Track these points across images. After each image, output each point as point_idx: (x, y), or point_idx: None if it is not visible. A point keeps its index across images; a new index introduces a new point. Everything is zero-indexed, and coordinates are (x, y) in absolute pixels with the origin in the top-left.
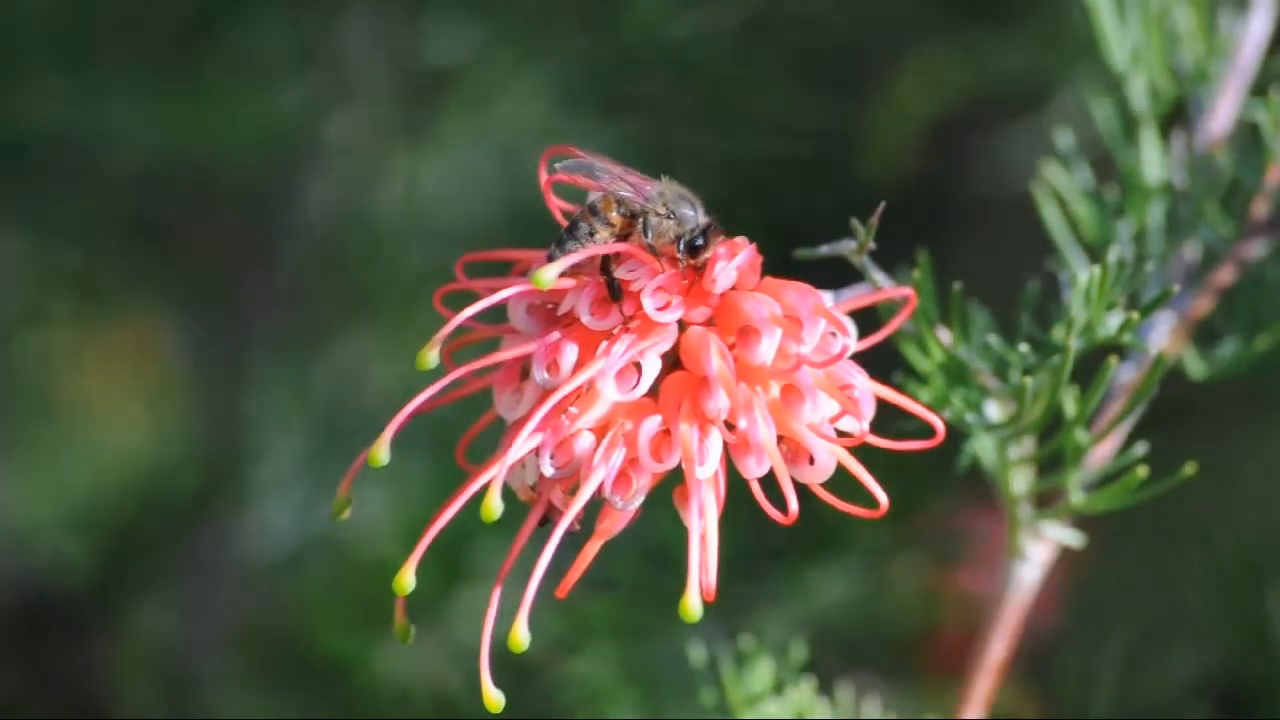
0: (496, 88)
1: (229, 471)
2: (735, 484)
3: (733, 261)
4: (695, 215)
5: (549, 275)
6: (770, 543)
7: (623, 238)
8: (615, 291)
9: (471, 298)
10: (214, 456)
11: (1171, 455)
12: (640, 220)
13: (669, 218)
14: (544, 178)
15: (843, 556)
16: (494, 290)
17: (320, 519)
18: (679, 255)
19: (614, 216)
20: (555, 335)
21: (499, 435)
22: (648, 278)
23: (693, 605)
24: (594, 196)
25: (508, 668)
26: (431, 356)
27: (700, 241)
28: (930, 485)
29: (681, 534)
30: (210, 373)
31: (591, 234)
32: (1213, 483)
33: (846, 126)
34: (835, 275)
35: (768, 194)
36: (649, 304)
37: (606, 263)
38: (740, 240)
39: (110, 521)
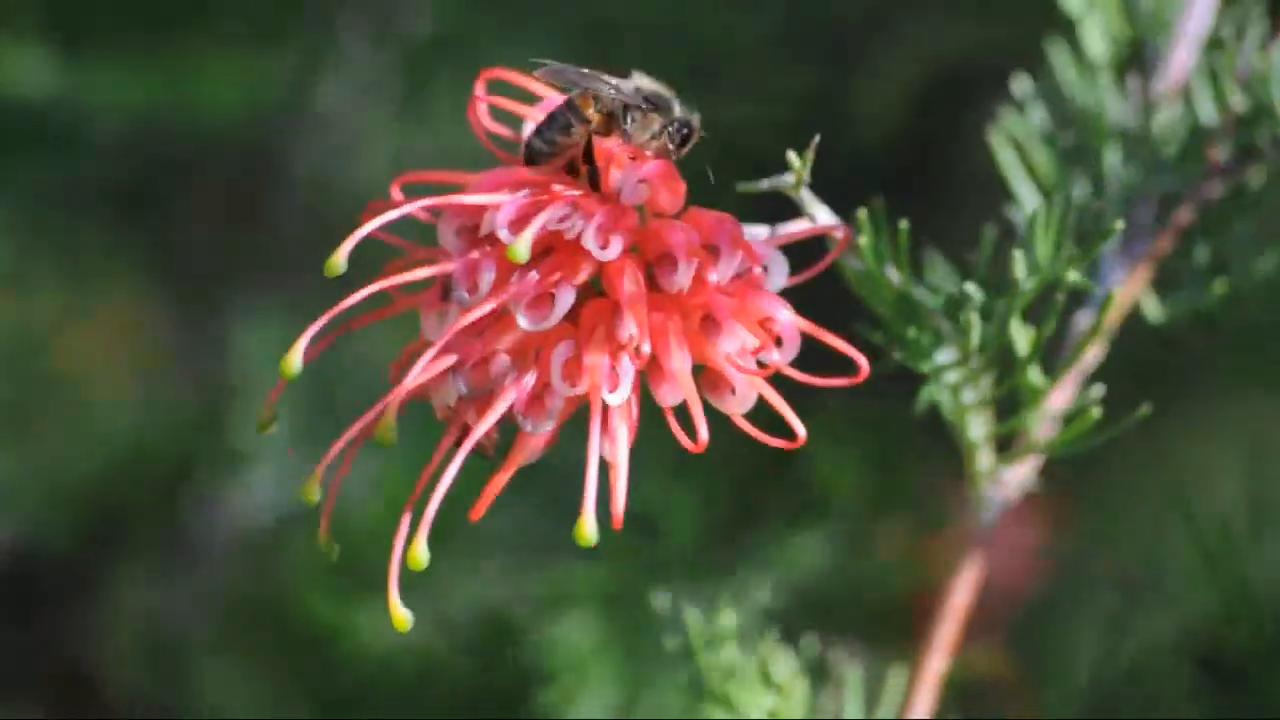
0: (482, 55)
1: (215, 441)
2: (719, 447)
3: (639, 172)
4: (675, 107)
5: (522, 249)
6: (752, 509)
7: (601, 134)
8: (595, 182)
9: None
10: (200, 426)
11: (1153, 421)
12: (621, 117)
13: (652, 110)
14: (475, 104)
15: (824, 522)
16: (429, 208)
17: None
18: (669, 147)
19: (592, 113)
20: (474, 255)
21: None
22: (584, 221)
23: (588, 529)
24: (573, 93)
25: (489, 631)
26: (339, 263)
27: (686, 131)
28: (913, 451)
29: (666, 501)
30: (196, 342)
31: (568, 129)
32: (1193, 447)
33: (831, 93)
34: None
35: (751, 160)
36: (593, 247)
37: (589, 153)
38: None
39: (96, 490)
